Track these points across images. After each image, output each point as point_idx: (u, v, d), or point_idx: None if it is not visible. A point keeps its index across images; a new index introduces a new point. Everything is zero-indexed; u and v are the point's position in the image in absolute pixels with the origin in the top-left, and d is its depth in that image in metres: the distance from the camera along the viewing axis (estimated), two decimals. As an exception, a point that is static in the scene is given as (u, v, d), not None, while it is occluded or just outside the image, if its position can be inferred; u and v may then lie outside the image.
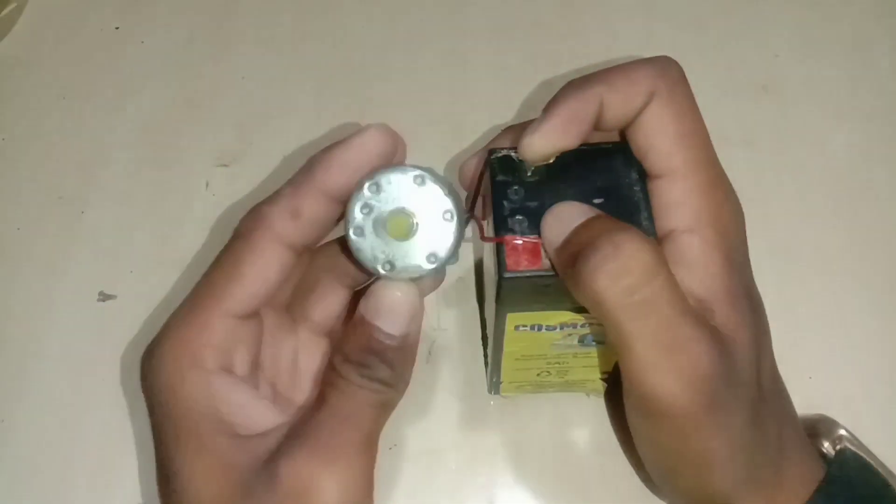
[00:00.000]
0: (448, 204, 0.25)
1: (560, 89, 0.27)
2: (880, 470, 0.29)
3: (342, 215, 0.26)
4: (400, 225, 0.25)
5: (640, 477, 0.33)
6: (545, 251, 0.25)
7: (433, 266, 0.25)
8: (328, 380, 0.26)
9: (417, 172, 0.25)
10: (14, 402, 0.36)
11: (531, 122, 0.26)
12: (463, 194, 0.29)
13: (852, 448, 0.30)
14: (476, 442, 0.35)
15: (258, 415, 0.26)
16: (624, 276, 0.23)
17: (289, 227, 0.26)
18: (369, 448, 0.25)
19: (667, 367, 0.24)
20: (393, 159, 0.26)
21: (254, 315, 0.27)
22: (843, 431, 0.31)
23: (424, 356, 0.36)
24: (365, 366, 0.25)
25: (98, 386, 0.36)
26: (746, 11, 0.47)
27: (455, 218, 0.25)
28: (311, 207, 0.26)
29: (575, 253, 0.24)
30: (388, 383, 0.25)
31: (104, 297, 0.39)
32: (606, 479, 0.34)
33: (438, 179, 0.25)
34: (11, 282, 0.39)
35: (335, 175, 0.25)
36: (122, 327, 0.38)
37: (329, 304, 0.30)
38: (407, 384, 0.26)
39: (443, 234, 0.25)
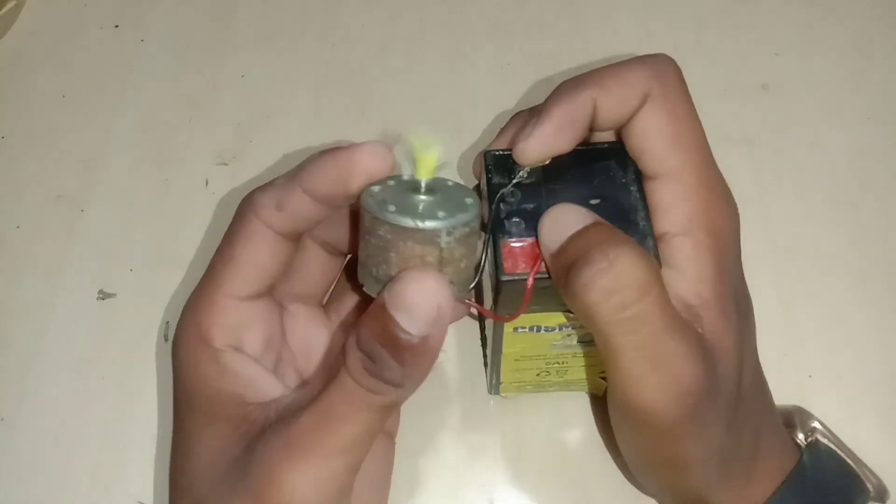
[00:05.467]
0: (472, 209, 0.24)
1: (553, 91, 0.27)
2: (852, 463, 0.30)
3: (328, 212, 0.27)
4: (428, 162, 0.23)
5: (622, 473, 0.34)
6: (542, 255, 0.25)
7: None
8: (336, 364, 0.24)
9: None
10: (14, 400, 0.36)
11: (537, 107, 0.26)
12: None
13: (824, 441, 0.30)
14: (476, 441, 0.35)
15: (269, 387, 0.27)
16: (616, 292, 0.23)
17: (273, 216, 0.26)
18: (353, 449, 0.24)
19: (652, 382, 0.24)
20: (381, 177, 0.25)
21: (262, 296, 0.28)
22: (816, 424, 0.31)
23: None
24: (373, 358, 0.23)
25: (98, 385, 0.36)
26: (746, 10, 0.47)
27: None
28: (294, 204, 0.26)
29: (569, 263, 0.24)
30: (394, 383, 0.23)
31: (104, 295, 0.39)
32: (606, 479, 0.34)
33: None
34: (11, 281, 0.39)
35: (317, 182, 0.26)
36: (122, 326, 0.38)
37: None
38: (418, 385, 0.24)
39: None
